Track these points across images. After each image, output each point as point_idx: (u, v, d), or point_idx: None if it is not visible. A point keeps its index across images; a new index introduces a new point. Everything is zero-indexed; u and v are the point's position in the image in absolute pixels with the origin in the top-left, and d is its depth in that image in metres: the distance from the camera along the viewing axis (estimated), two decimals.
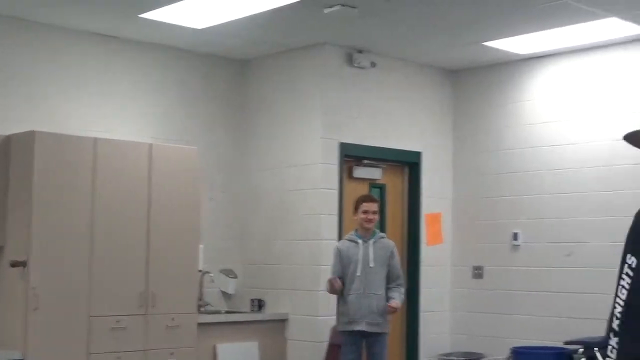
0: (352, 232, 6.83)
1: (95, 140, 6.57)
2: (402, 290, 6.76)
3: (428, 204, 8.52)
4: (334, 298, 6.87)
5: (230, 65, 8.27)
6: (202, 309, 7.59)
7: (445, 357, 8.39)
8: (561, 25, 7.11)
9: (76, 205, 6.41)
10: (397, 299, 6.64)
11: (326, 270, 7.09)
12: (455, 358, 8.32)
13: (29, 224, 6.16)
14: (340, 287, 6.60)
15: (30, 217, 6.17)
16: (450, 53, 8.13)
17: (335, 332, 7.01)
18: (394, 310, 6.63)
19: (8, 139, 6.48)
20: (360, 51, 7.89)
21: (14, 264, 6.12)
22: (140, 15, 6.81)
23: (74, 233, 6.39)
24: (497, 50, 7.89)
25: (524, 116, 8.26)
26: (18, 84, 6.92)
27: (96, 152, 6.54)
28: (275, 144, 8.04)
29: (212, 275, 7.77)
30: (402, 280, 6.81)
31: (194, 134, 7.89)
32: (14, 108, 6.85)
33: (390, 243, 6.83)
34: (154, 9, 6.67)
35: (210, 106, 8.13)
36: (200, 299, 7.55)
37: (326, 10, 6.55)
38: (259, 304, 7.93)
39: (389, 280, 6.69)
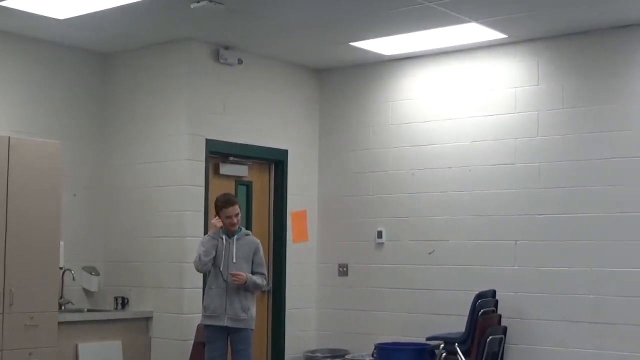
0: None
1: None
2: (262, 280, 6.71)
3: (294, 202, 8.56)
4: (199, 296, 6.81)
5: (94, 59, 8.10)
6: (63, 308, 7.40)
7: (310, 354, 8.44)
8: (425, 29, 7.28)
9: None
10: (252, 277, 6.58)
11: (190, 267, 7.02)
12: (321, 355, 8.37)
13: None
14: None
15: None
16: (317, 52, 8.20)
17: (201, 329, 6.95)
18: (237, 279, 6.50)
19: None
20: (227, 47, 7.85)
21: None
22: (0, 4, 6.58)
23: None
24: (363, 50, 8.00)
25: (389, 116, 8.41)
26: None
27: None
28: (140, 140, 7.91)
29: (73, 272, 7.58)
30: (265, 277, 6.78)
31: (56, 128, 7.68)
32: None
33: (255, 240, 6.81)
34: None
35: (74, 100, 7.93)
36: (61, 297, 7.35)
37: (193, 5, 6.49)
38: (123, 302, 7.78)
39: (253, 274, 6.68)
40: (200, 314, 6.93)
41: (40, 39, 7.61)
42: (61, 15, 6.92)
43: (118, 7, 6.65)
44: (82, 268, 7.79)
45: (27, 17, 6.91)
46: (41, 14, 6.85)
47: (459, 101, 7.97)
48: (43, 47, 7.69)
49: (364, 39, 7.67)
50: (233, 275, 6.49)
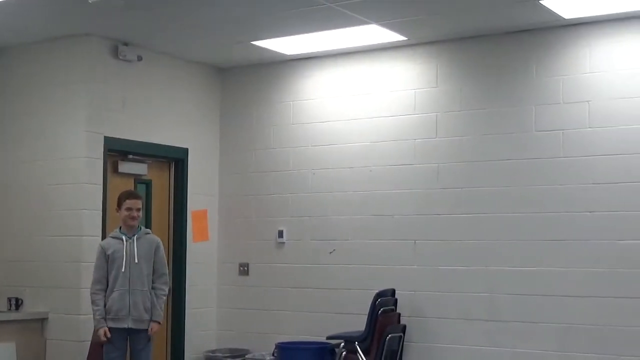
0: (117, 230, 6.69)
1: None
2: (165, 291, 6.68)
3: (194, 201, 8.50)
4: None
5: None
6: None
7: (211, 354, 8.39)
8: (327, 29, 7.32)
9: None
10: (157, 317, 6.59)
11: (88, 267, 6.91)
12: (221, 355, 8.34)
13: None
14: (106, 339, 6.48)
15: None
16: (218, 51, 8.17)
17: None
18: (156, 330, 6.59)
19: None
20: (126, 44, 7.74)
21: None
22: None
23: None
24: (264, 49, 8.01)
25: (290, 116, 8.43)
26: None
27: None
28: (36, 136, 7.73)
29: None
30: (167, 277, 6.73)
31: None
32: None
33: (155, 238, 6.75)
34: None
35: None
36: None
37: (91, 0, 6.36)
38: (17, 303, 7.59)
39: (154, 276, 6.61)
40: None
41: None
42: None
43: (11, 0, 6.48)
44: None
45: None
46: None
47: (360, 102, 8.05)
48: None
49: (265, 38, 7.68)
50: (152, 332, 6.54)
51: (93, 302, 6.54)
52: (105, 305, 6.51)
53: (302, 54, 8.18)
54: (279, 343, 7.80)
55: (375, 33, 7.39)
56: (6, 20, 7.12)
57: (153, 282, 6.61)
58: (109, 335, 6.45)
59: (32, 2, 6.56)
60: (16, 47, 7.88)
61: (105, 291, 6.55)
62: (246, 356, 8.24)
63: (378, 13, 6.87)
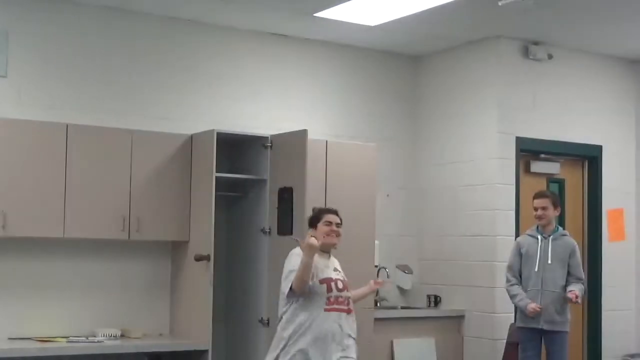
0: (534, 227, 6.67)
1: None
2: (581, 285, 6.55)
3: (609, 199, 8.22)
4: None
5: (405, 62, 8.28)
6: (378, 305, 7.64)
7: (629, 358, 8.10)
8: None
9: None
10: (577, 289, 6.43)
11: (502, 266, 6.99)
12: None
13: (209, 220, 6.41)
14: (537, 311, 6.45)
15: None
16: (632, 42, 7.83)
17: (514, 330, 6.90)
18: (574, 300, 6.37)
19: (191, 138, 6.74)
20: (536, 43, 7.72)
21: (198, 258, 6.39)
22: (315, 15, 6.93)
23: None
24: None
25: None
26: (200, 86, 7.21)
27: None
28: (450, 139, 7.98)
29: (387, 270, 7.78)
30: (583, 283, 6.58)
31: (371, 130, 7.96)
32: (195, 108, 7.13)
33: (571, 242, 6.61)
34: (329, 8, 6.77)
35: (383, 103, 8.16)
36: (377, 294, 7.58)
37: (501, 3, 6.42)
38: (435, 300, 7.90)
39: (571, 279, 6.50)
40: (512, 314, 6.89)
41: (353, 45, 7.91)
42: (373, 22, 7.16)
43: (426, 10, 6.77)
44: (396, 266, 7.99)
45: (340, 25, 7.23)
46: (354, 22, 7.13)
47: None
48: (355, 54, 7.99)
49: None
50: (572, 302, 6.40)
51: (511, 296, 6.57)
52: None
53: None
54: None
55: None
56: (421, 30, 7.44)
57: (567, 282, 6.51)
58: (538, 309, 6.41)
59: (444, 11, 6.78)
60: (430, 55, 8.20)
61: (519, 282, 6.57)
62: None
63: None
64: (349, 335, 5.15)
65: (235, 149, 6.95)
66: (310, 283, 5.01)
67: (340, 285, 5.18)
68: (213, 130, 6.47)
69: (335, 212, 5.33)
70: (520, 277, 6.59)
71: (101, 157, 6.35)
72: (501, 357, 7.21)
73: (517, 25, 7.28)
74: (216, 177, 6.40)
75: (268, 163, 6.73)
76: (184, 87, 7.13)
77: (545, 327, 6.45)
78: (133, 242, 6.56)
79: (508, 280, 6.62)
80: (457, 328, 7.77)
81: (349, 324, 5.17)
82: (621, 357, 8.17)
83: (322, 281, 5.11)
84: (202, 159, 6.57)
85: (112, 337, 6.34)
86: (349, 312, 5.19)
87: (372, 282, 5.64)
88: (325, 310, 5.07)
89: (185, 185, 6.67)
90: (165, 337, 6.70)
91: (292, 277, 5.01)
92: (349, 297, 5.22)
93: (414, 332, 7.50)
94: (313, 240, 4.94)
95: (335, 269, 5.28)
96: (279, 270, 6.50)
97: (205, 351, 6.28)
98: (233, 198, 6.97)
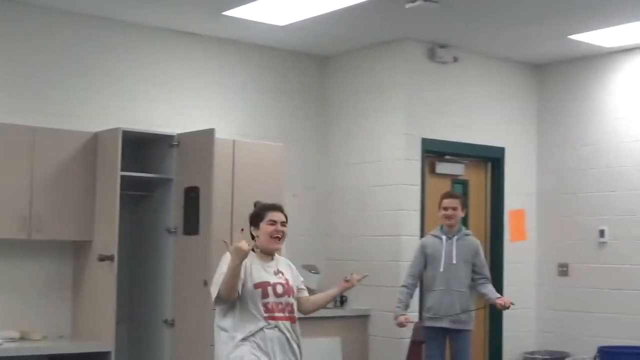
0: (438, 228, 6.73)
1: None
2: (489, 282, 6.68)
3: (511, 200, 8.40)
4: (417, 296, 6.84)
5: (314, 62, 8.30)
6: None
7: (529, 356, 8.27)
8: None
9: None
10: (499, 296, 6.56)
11: (406, 266, 7.04)
12: (540, 357, 8.19)
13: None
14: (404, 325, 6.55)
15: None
16: (534, 47, 8.01)
17: (418, 328, 6.97)
18: (507, 305, 6.47)
19: (96, 135, 6.62)
20: (442, 46, 7.83)
21: (101, 258, 6.27)
22: (223, 13, 6.88)
23: None
24: (581, 43, 7.74)
25: (612, 111, 8.09)
26: (105, 83, 7.07)
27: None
28: (357, 140, 8.04)
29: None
30: (489, 278, 6.71)
31: (279, 130, 7.94)
32: (100, 105, 7.00)
33: (475, 241, 6.71)
34: (238, 7, 6.73)
35: (292, 103, 8.16)
36: None
37: (408, 5, 6.47)
38: (341, 300, 7.93)
39: (477, 277, 6.60)
40: (417, 313, 6.96)
41: (261, 45, 7.89)
42: (282, 22, 7.15)
43: (335, 11, 6.79)
44: (302, 266, 7.97)
45: (248, 24, 7.19)
46: (262, 21, 7.11)
47: None
48: (263, 53, 7.97)
49: (583, 32, 7.41)
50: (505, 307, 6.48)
51: (397, 298, 6.62)
52: (411, 300, 6.61)
53: (621, 46, 7.82)
54: (601, 347, 7.52)
55: None
56: (330, 31, 7.46)
57: (473, 281, 6.61)
58: (410, 321, 6.51)
59: (352, 13, 6.81)
60: (339, 55, 8.24)
61: (415, 287, 6.65)
62: (565, 359, 8.04)
63: None
64: (295, 349, 4.62)
65: (142, 148, 6.85)
66: (240, 290, 4.44)
67: (279, 289, 4.58)
68: (119, 128, 6.37)
69: (281, 209, 4.77)
70: (422, 278, 6.66)
71: (1, 155, 6.19)
72: (405, 355, 7.29)
73: (423, 27, 7.37)
74: (121, 175, 6.33)
75: (174, 162, 6.67)
76: (90, 85, 6.99)
77: (450, 326, 6.52)
78: (34, 241, 6.41)
79: (403, 282, 6.67)
80: (362, 327, 7.82)
81: (292, 336, 4.60)
82: (521, 354, 8.35)
83: (257, 285, 4.53)
84: (107, 157, 6.46)
85: (10, 340, 6.16)
86: (291, 320, 4.61)
87: (343, 281, 5.00)
88: (265, 319, 4.50)
89: (90, 184, 6.55)
90: (67, 339, 6.57)
91: (221, 281, 4.43)
92: (292, 304, 4.65)
93: (320, 331, 7.50)
94: (242, 244, 4.35)
95: (278, 272, 4.68)
96: (184, 270, 6.50)
97: (108, 353, 6.19)
98: (139, 197, 6.87)
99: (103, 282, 6.33)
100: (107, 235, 6.34)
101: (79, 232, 6.52)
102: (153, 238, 6.79)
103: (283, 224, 4.72)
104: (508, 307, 6.47)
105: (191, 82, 7.54)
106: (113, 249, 6.24)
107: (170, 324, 6.49)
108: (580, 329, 8.15)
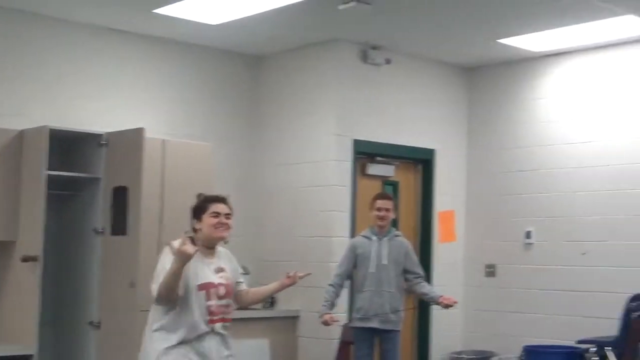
0: (368, 229, 6.74)
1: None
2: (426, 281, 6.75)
3: (441, 202, 8.45)
4: (344, 296, 6.85)
5: (246, 61, 8.25)
6: None
7: (456, 356, 8.36)
8: (576, 23, 7.05)
9: None
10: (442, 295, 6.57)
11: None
12: (466, 356, 8.28)
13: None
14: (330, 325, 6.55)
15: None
16: (465, 50, 8.10)
17: (347, 329, 6.99)
18: (452, 304, 6.47)
19: (21, 133, 6.48)
20: (374, 48, 7.85)
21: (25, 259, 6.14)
22: (154, 11, 6.80)
23: None
24: (511, 47, 7.84)
25: (540, 114, 8.22)
26: (31, 79, 6.92)
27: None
28: (289, 141, 8.03)
29: None
30: (424, 277, 6.76)
31: (209, 130, 7.87)
32: (26, 103, 6.85)
33: (405, 242, 6.72)
34: (168, 4, 6.65)
35: (224, 102, 8.11)
36: None
37: (341, 7, 6.48)
38: (271, 301, 7.89)
39: (410, 276, 6.63)
40: (345, 314, 6.98)
41: (193, 43, 7.81)
42: (214, 21, 7.09)
43: (268, 11, 6.75)
44: None
45: (180, 23, 7.12)
46: (194, 20, 7.04)
47: (616, 98, 7.70)
48: (195, 52, 7.90)
49: (512, 36, 7.52)
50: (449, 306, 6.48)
51: (324, 297, 6.61)
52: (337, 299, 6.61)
53: (550, 50, 7.95)
54: (526, 346, 7.63)
55: (632, 24, 7.02)
56: (262, 31, 7.43)
57: (409, 281, 6.64)
58: (335, 320, 6.51)
59: (286, 13, 6.78)
60: (271, 55, 8.22)
61: (342, 286, 6.65)
62: (491, 359, 8.14)
63: (636, 3, 6.52)
64: (229, 345, 4.53)
65: (69, 147, 6.73)
66: (180, 293, 4.26)
67: (222, 291, 4.44)
68: (45, 126, 6.25)
69: (224, 201, 4.54)
70: (352, 278, 6.68)
71: None
72: (334, 356, 7.30)
73: (356, 29, 7.38)
74: (48, 174, 6.22)
75: (103, 161, 6.57)
76: (15, 81, 6.83)
77: (380, 326, 6.54)
78: None
79: (331, 282, 6.67)
80: (291, 328, 7.81)
81: (226, 336, 4.51)
82: (448, 354, 8.43)
83: (200, 287, 4.36)
84: (32, 155, 6.34)
85: None
86: (227, 321, 4.51)
87: (285, 276, 4.92)
88: (207, 322, 4.37)
89: (14, 182, 6.41)
90: None
91: (162, 279, 4.22)
92: (231, 305, 4.54)
93: (248, 333, 7.44)
94: (188, 248, 4.14)
95: (219, 269, 4.52)
96: (111, 271, 6.40)
97: (31, 356, 6.06)
98: (66, 197, 6.76)
99: (27, 283, 6.21)
100: (31, 236, 6.22)
101: (2, 233, 6.38)
102: (80, 238, 6.68)
103: (227, 216, 4.51)
104: (452, 306, 6.49)
105: (121, 81, 7.43)
106: (38, 250, 6.13)
107: (96, 326, 6.39)
108: (506, 329, 8.26)
